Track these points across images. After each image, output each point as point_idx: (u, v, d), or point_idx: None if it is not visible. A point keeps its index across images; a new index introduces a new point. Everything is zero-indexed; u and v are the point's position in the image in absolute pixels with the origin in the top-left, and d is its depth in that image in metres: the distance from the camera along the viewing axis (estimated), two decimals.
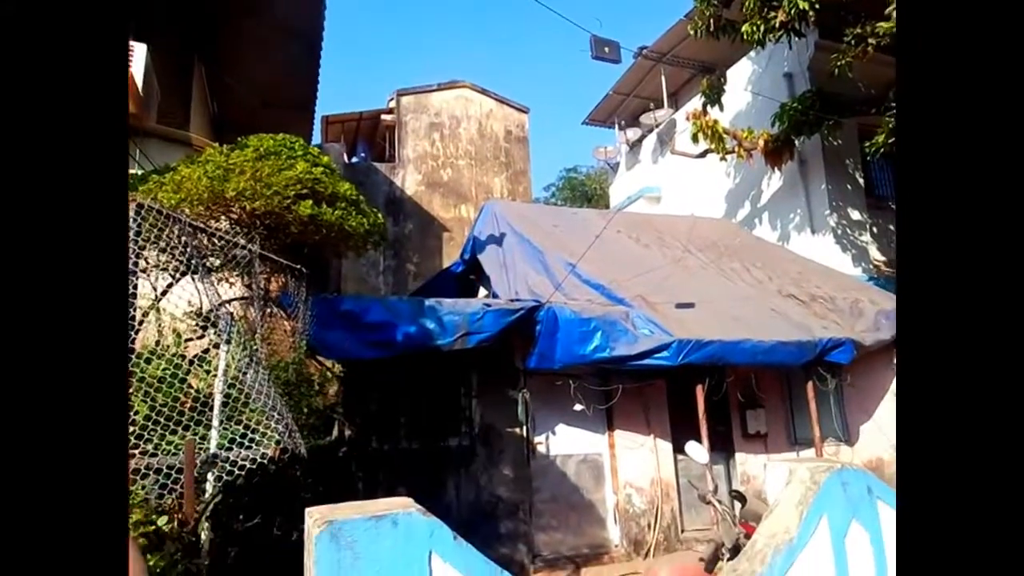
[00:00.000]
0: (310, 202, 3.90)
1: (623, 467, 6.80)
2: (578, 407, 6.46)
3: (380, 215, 4.89)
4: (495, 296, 7.29)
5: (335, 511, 2.11)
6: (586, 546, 6.51)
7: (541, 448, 6.57)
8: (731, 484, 7.21)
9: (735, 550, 3.00)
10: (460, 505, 6.23)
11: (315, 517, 2.06)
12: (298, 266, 3.99)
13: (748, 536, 3.03)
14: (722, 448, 7.23)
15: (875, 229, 10.52)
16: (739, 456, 7.40)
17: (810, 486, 2.81)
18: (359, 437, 5.75)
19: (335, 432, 5.36)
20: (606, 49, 6.22)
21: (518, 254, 7.66)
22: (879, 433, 7.84)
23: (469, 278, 9.13)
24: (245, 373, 2.74)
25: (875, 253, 10.38)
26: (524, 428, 6.38)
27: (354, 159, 14.88)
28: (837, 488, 2.81)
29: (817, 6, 7.73)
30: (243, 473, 2.52)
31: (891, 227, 10.73)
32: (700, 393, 6.33)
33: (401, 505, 2.18)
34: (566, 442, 6.71)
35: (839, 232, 10.22)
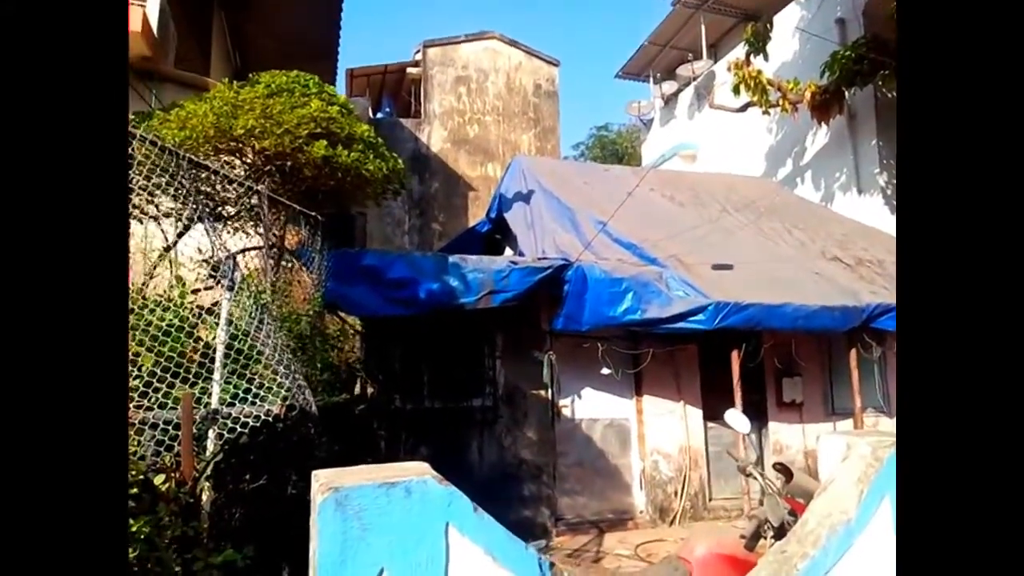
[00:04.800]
0: (324, 143, 3.62)
1: (651, 433, 6.58)
2: (605, 371, 6.22)
3: (400, 160, 4.60)
4: (521, 255, 7.01)
5: (342, 476, 1.90)
6: (610, 511, 6.37)
7: (566, 411, 6.38)
8: (762, 454, 6.94)
9: (780, 529, 2.73)
10: (483, 466, 6.11)
11: (321, 481, 1.85)
12: (312, 213, 3.75)
13: (794, 514, 2.75)
14: (755, 417, 6.91)
15: None
16: (772, 426, 7.11)
17: (871, 463, 2.50)
18: (381, 395, 5.62)
19: (356, 389, 5.22)
20: None
21: (546, 212, 7.33)
22: None
23: (495, 237, 8.86)
24: (257, 327, 2.54)
25: None
26: (549, 391, 6.18)
27: (379, 114, 14.56)
28: None
29: None
30: (246, 431, 2.34)
31: None
32: (736, 359, 6.02)
33: (416, 471, 1.95)
34: (592, 406, 6.50)
35: (889, 192, 9.59)
